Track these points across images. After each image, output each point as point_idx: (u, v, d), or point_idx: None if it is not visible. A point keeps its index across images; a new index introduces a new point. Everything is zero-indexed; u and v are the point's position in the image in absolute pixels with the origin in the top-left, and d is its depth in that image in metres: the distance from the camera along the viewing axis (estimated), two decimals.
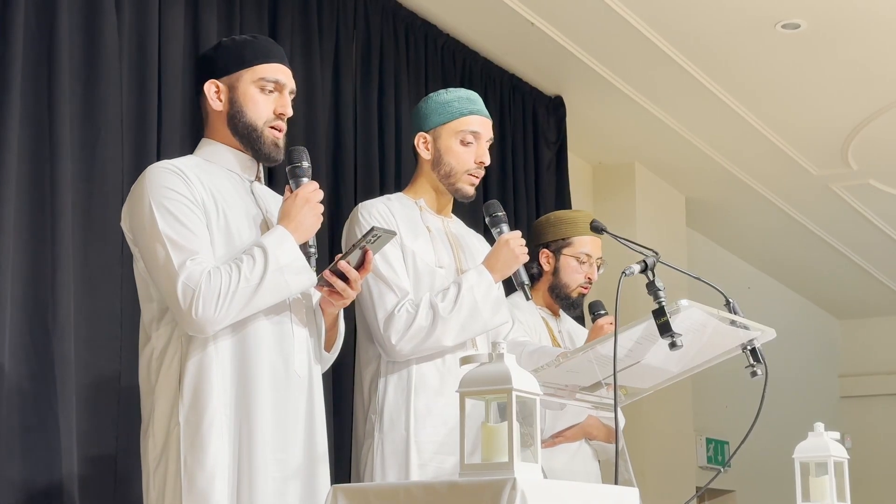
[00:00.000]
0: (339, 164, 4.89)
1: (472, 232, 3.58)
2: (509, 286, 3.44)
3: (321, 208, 2.90)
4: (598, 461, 4.07)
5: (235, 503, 2.75)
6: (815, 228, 8.95)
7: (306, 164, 2.94)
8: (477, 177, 3.39)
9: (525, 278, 3.37)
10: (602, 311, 4.03)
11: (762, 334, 3.17)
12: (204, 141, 3.01)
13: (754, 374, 3.15)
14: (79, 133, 3.77)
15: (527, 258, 3.36)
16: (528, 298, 3.51)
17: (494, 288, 3.30)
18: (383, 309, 3.22)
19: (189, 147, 4.08)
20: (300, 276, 2.81)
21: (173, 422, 2.75)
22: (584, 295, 4.10)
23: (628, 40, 5.83)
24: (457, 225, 3.51)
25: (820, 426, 3.31)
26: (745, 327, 3.12)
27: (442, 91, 3.44)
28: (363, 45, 5.13)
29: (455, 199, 3.46)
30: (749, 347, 3.18)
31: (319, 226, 2.90)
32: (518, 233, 3.36)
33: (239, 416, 2.78)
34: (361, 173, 4.98)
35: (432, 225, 3.39)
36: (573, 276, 4.04)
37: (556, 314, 4.11)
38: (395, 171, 5.12)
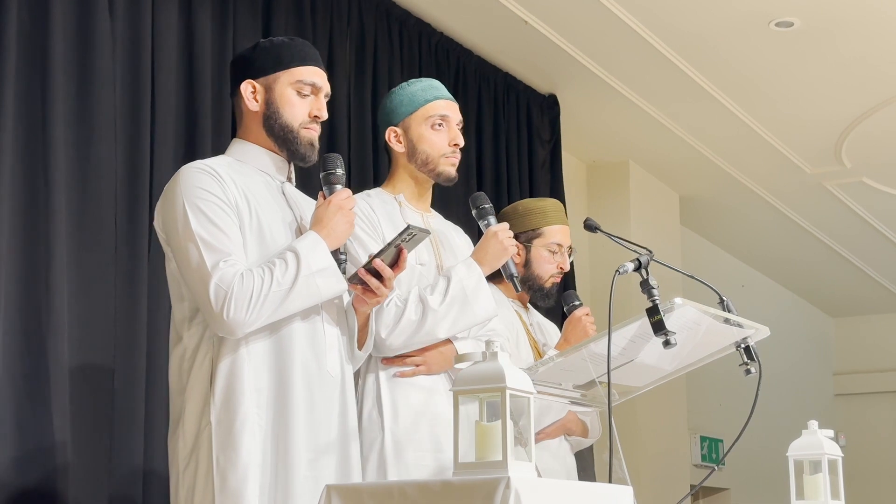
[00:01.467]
0: None
1: (451, 226, 3.55)
2: None
3: (353, 216, 2.92)
4: (574, 455, 4.07)
5: (268, 502, 2.75)
6: (808, 226, 8.96)
7: (340, 171, 2.97)
8: (455, 158, 3.37)
9: (514, 271, 3.36)
10: (577, 302, 3.96)
11: (756, 332, 3.17)
12: (236, 141, 3.02)
13: (748, 372, 3.16)
14: (72, 133, 3.77)
15: (515, 250, 3.34)
16: (517, 291, 3.49)
17: (484, 281, 3.27)
18: None
19: (182, 146, 4.10)
20: (331, 282, 2.82)
21: (204, 421, 2.75)
22: (556, 285, 4.01)
23: (622, 38, 5.83)
24: (437, 220, 3.48)
25: (814, 424, 3.30)
26: (739, 325, 3.12)
27: (403, 84, 3.42)
28: (357, 44, 5.13)
29: (437, 193, 3.43)
30: (743, 345, 3.18)
31: (351, 233, 2.93)
32: (506, 225, 3.34)
33: (274, 415, 2.78)
34: (355, 172, 4.97)
35: (412, 221, 3.36)
36: (545, 267, 3.96)
37: (525, 306, 4.06)
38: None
